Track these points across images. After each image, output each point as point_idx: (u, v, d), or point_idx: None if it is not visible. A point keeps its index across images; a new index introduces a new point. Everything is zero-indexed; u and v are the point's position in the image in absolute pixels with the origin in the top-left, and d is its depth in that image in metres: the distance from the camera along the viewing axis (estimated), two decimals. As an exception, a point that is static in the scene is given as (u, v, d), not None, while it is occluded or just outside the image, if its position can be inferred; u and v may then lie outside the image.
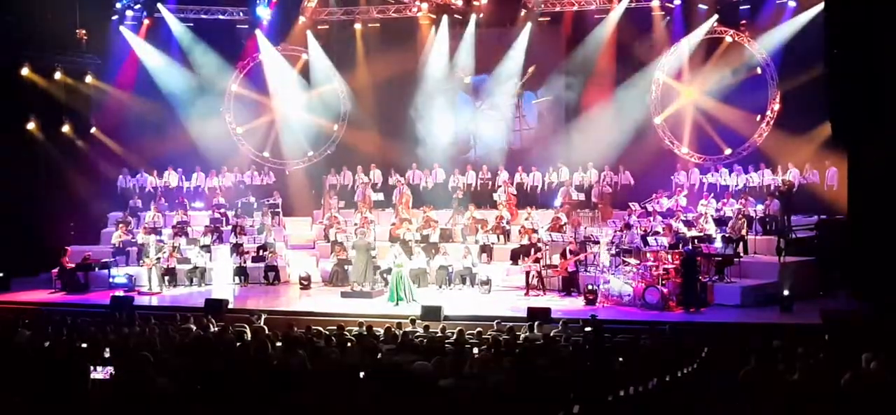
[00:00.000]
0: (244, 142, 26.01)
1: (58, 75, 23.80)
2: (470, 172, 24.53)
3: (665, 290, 17.14)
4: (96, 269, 20.97)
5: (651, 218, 20.26)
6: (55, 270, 20.85)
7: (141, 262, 21.34)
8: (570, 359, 10.83)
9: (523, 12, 24.68)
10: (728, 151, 23.17)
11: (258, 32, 25.66)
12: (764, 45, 22.76)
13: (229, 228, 22.99)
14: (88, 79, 24.70)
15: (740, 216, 19.96)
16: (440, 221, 22.65)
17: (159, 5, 25.23)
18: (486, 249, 21.23)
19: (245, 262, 21.56)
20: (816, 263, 19.20)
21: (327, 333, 12.89)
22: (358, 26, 25.81)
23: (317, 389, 7.55)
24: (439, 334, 13.07)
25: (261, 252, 21.77)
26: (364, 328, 13.53)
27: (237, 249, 21.70)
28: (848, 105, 16.11)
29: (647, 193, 21.96)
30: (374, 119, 25.60)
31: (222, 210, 23.94)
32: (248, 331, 12.69)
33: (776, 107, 22.73)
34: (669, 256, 17.59)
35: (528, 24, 24.66)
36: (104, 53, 24.89)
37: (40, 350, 10.70)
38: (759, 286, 17.98)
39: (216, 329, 13.24)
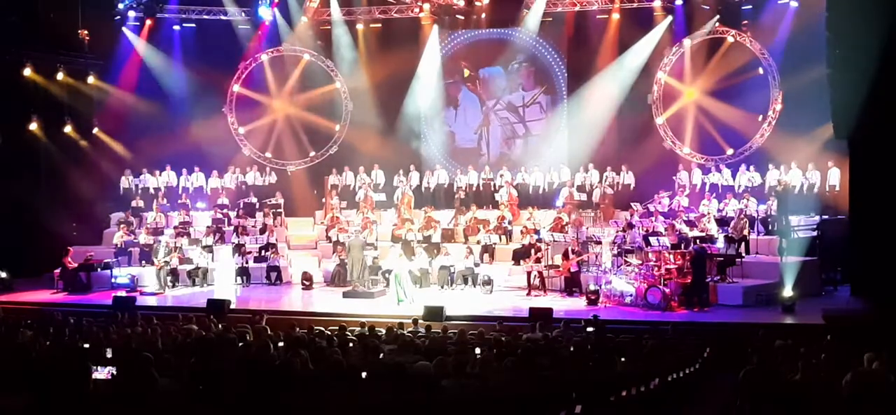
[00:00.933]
0: (246, 142, 26.02)
1: (60, 76, 23.82)
2: (472, 171, 24.54)
3: (667, 290, 17.14)
4: (98, 269, 21.00)
5: (653, 218, 20.26)
6: (57, 271, 20.87)
7: (142, 263, 21.36)
8: (572, 359, 10.82)
9: (525, 12, 24.68)
10: (730, 151, 23.17)
11: (260, 33, 25.69)
12: (766, 45, 22.76)
13: (231, 228, 23.03)
14: (91, 79, 24.72)
15: (742, 216, 19.98)
16: (442, 222, 22.67)
17: (161, 5, 25.27)
18: (487, 250, 21.24)
19: (247, 262, 21.58)
20: (818, 263, 19.20)
21: (329, 333, 12.90)
22: (360, 27, 25.81)
23: (319, 389, 7.55)
24: (441, 335, 13.07)
25: (263, 252, 21.78)
26: (366, 329, 13.53)
27: (239, 249, 21.71)
28: (849, 105, 16.08)
29: (649, 194, 21.95)
30: (375, 119, 25.61)
31: (224, 210, 23.96)
32: (250, 331, 12.69)
33: (778, 107, 22.71)
34: (672, 256, 17.59)
35: (530, 25, 24.67)
36: (106, 54, 24.90)
37: (42, 350, 10.70)
38: (761, 286, 17.98)
39: (218, 330, 13.24)
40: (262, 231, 22.55)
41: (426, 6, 25.08)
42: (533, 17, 24.62)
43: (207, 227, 22.98)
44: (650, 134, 23.88)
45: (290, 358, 8.83)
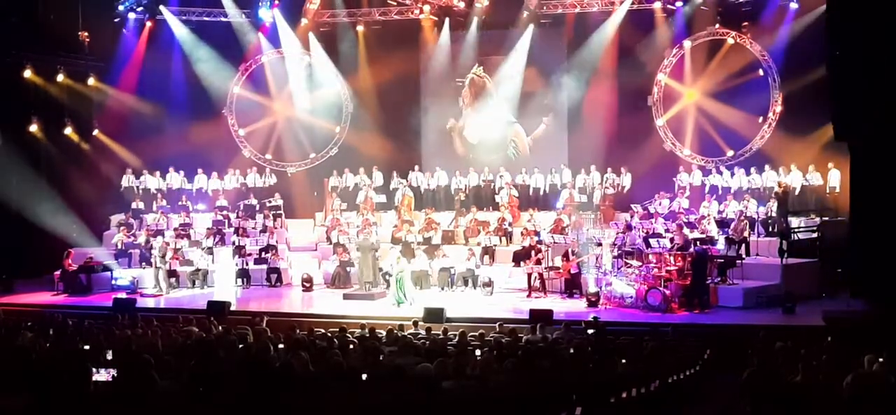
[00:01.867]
0: (246, 144, 26.03)
1: (60, 77, 23.82)
2: (472, 173, 24.54)
3: (667, 291, 17.13)
4: (99, 271, 21.00)
5: (653, 220, 20.26)
6: (58, 272, 20.87)
7: (142, 264, 21.36)
8: (572, 361, 10.82)
9: (525, 14, 24.69)
10: (730, 153, 23.16)
11: (260, 34, 25.70)
12: (766, 47, 22.77)
13: (231, 230, 23.03)
14: (91, 81, 24.71)
15: (742, 218, 19.98)
16: (442, 223, 22.66)
17: (161, 7, 25.26)
18: (488, 251, 21.24)
19: (247, 264, 21.58)
20: (819, 265, 19.20)
21: (329, 335, 12.89)
22: (360, 28, 25.81)
23: (319, 391, 7.54)
24: (441, 336, 13.07)
25: (263, 254, 21.78)
26: (366, 330, 13.53)
27: (239, 251, 21.72)
28: (850, 107, 16.09)
29: (649, 195, 21.95)
30: (376, 121, 25.60)
31: (224, 212, 23.96)
32: (250, 333, 12.69)
33: (778, 108, 22.73)
34: (672, 258, 17.59)
35: (531, 26, 24.68)
36: (106, 55, 24.89)
37: (43, 352, 10.69)
38: (762, 288, 17.98)
39: (219, 331, 13.24)
40: (263, 233, 22.55)
41: (426, 7, 25.08)
42: (533, 19, 24.62)
43: (208, 228, 22.98)
44: (650, 136, 23.89)
45: (291, 360, 8.82)
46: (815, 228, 20.14)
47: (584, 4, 24.44)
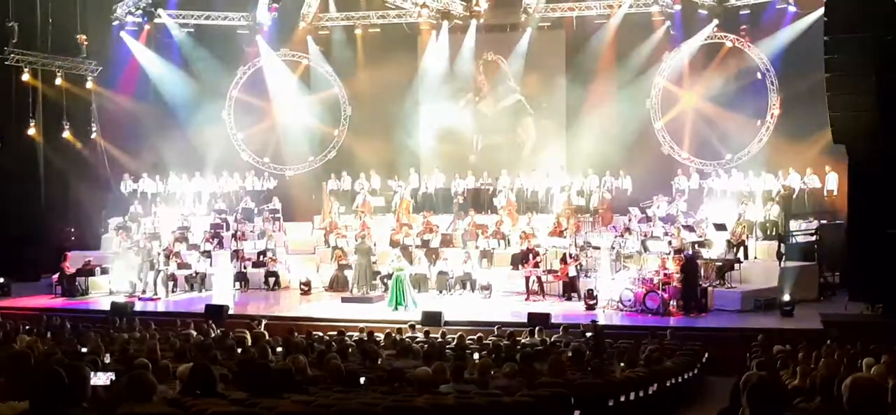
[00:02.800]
0: (245, 147, 26.02)
1: (59, 80, 23.79)
2: (470, 176, 24.54)
3: (665, 295, 17.14)
4: (97, 274, 20.98)
5: (651, 223, 20.26)
6: (55, 276, 20.85)
7: (140, 267, 21.32)
8: (570, 365, 10.81)
9: (524, 18, 24.71)
10: (728, 156, 23.17)
11: (259, 38, 25.70)
12: (764, 50, 22.79)
13: (230, 233, 23.00)
14: (89, 84, 24.68)
15: (741, 221, 19.97)
16: (440, 227, 22.65)
17: (160, 11, 25.29)
18: (486, 255, 21.22)
19: (245, 267, 21.58)
20: (817, 268, 19.20)
21: (328, 338, 12.88)
22: (358, 31, 25.83)
23: (317, 394, 7.54)
24: (440, 340, 13.06)
25: (261, 257, 21.78)
26: (364, 334, 13.52)
27: (237, 254, 21.71)
28: (848, 110, 16.10)
29: (648, 198, 21.95)
30: (374, 124, 25.59)
31: (223, 215, 23.94)
32: (248, 336, 12.67)
33: (776, 112, 22.75)
34: (670, 261, 17.59)
35: (529, 30, 24.70)
36: (105, 59, 24.90)
37: (40, 355, 10.67)
38: (760, 291, 17.98)
39: (217, 335, 13.22)
40: (261, 236, 22.52)
41: (425, 11, 25.10)
42: (531, 23, 24.64)
43: (206, 232, 22.96)
44: (649, 139, 23.90)
45: (289, 363, 8.80)
46: (813, 232, 20.14)
47: (583, 8, 24.47)
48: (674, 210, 21.41)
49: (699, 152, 23.66)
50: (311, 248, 23.73)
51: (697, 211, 21.37)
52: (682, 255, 17.52)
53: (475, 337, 13.23)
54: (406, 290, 18.46)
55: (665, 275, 17.44)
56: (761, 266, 19.23)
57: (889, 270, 15.89)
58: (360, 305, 18.74)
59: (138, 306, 18.99)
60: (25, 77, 22.96)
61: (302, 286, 20.92)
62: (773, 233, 20.03)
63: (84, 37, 24.15)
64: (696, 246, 18.15)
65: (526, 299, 19.20)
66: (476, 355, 10.95)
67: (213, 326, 14.51)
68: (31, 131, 23.31)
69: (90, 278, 20.84)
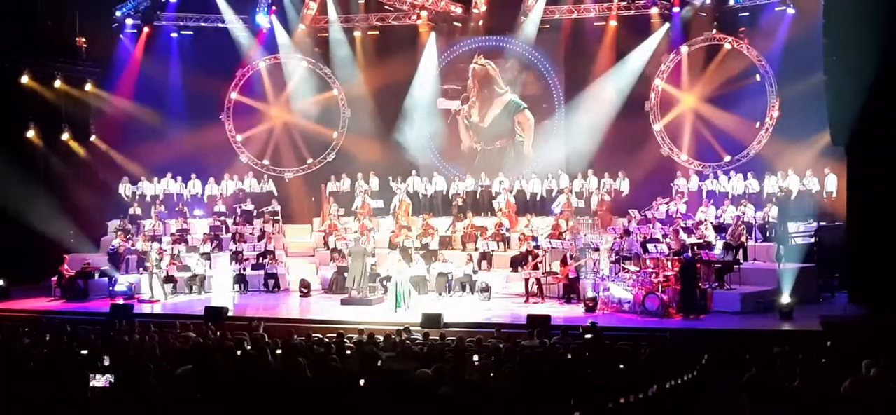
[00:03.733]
0: (243, 149, 26.02)
1: (57, 83, 23.78)
2: (469, 178, 24.56)
3: (665, 297, 17.14)
4: (96, 276, 20.97)
5: (650, 225, 20.27)
6: (55, 278, 20.83)
7: (140, 270, 21.32)
8: (570, 366, 10.81)
9: (522, 20, 24.72)
10: (727, 158, 23.18)
11: (257, 41, 25.71)
12: (763, 52, 22.81)
13: (229, 235, 23.02)
14: (88, 87, 24.68)
15: (740, 223, 19.99)
16: (440, 229, 22.66)
17: (159, 13, 25.29)
18: (485, 257, 21.21)
19: (245, 269, 21.57)
20: (816, 270, 19.21)
21: (327, 340, 12.87)
22: (357, 34, 25.84)
23: (317, 396, 7.54)
24: (439, 342, 13.05)
25: (260, 260, 21.77)
26: (364, 336, 13.50)
27: (237, 256, 21.71)
28: (847, 112, 16.11)
29: (647, 200, 21.96)
30: (373, 126, 25.61)
31: (222, 218, 23.95)
32: (247, 339, 12.67)
33: (775, 114, 22.75)
34: (669, 263, 17.60)
35: (528, 31, 24.70)
36: (104, 61, 24.89)
37: (40, 358, 10.67)
38: (760, 293, 17.99)
39: (216, 337, 13.22)
40: (260, 238, 22.53)
41: (424, 14, 25.12)
42: (530, 25, 24.66)
43: (205, 234, 22.97)
44: (648, 141, 23.91)
45: (288, 365, 8.81)
46: (812, 234, 20.15)
47: (581, 10, 24.48)
48: (673, 212, 21.43)
49: (698, 154, 23.68)
50: (311, 250, 23.74)
51: (696, 213, 21.37)
52: (681, 257, 17.51)
53: (475, 339, 13.19)
54: (405, 292, 18.45)
55: (664, 277, 17.44)
56: (761, 268, 19.25)
57: (889, 271, 15.89)
58: (360, 308, 18.74)
59: (139, 308, 18.97)
60: (24, 80, 22.95)
61: (301, 288, 20.92)
62: (771, 235, 20.04)
63: (83, 39, 24.17)
64: (695, 248, 18.14)
65: (525, 301, 19.20)
66: (475, 358, 10.93)
67: (213, 328, 14.49)
68: (30, 134, 23.29)
69: (89, 281, 20.83)
